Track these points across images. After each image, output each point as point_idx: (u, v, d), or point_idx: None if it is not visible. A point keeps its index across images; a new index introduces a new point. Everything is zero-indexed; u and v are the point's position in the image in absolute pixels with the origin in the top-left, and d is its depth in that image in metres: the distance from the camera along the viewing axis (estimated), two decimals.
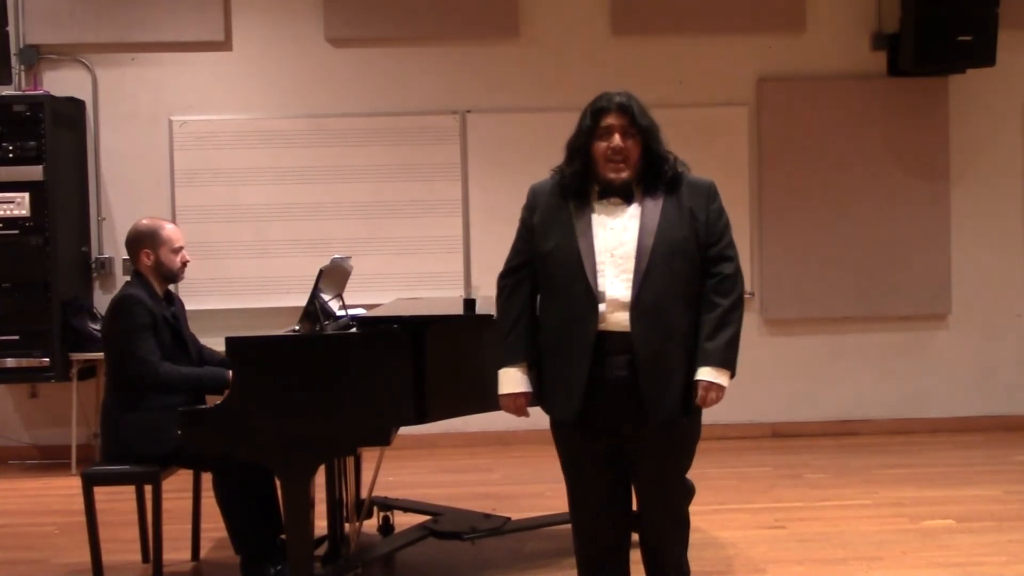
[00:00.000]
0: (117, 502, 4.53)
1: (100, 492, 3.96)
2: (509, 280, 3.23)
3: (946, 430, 6.65)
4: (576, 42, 6.58)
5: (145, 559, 4.31)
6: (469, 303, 4.03)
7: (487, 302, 4.37)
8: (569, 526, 4.38)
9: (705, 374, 3.05)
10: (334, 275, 4.02)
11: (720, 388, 3.05)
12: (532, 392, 3.20)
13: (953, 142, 6.67)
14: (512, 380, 3.19)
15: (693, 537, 3.40)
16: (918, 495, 5.19)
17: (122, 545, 4.43)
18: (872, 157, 6.61)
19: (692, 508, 3.38)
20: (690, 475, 3.30)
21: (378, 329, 3.69)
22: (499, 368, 3.22)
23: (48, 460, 6.41)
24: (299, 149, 6.45)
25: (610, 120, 3.06)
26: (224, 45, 6.50)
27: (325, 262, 3.87)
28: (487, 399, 3.84)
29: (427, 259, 6.48)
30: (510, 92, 6.56)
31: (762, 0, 6.57)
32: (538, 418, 3.28)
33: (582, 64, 6.55)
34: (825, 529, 4.66)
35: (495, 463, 6.11)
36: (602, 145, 3.07)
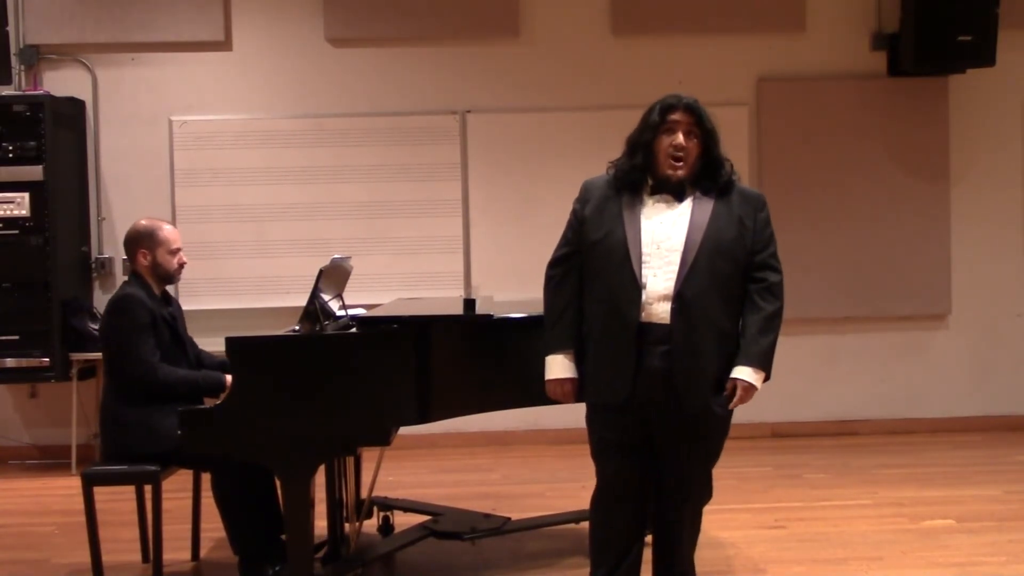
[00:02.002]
0: (117, 502, 4.52)
1: (100, 492, 3.96)
2: (557, 270, 3.30)
3: (946, 430, 6.65)
4: (576, 42, 6.58)
5: (145, 559, 4.31)
6: (469, 303, 4.03)
7: (487, 302, 4.38)
8: (569, 526, 4.44)
9: (744, 373, 3.13)
10: (334, 275, 4.02)
11: (754, 390, 3.14)
12: (578, 379, 3.26)
13: (953, 142, 6.66)
14: (560, 366, 3.26)
15: None
16: (918, 495, 5.19)
17: (122, 545, 4.43)
18: (872, 157, 6.61)
19: None
20: None
21: (378, 329, 3.68)
22: (546, 355, 3.28)
23: (48, 460, 6.40)
24: (299, 149, 6.45)
25: (677, 117, 3.15)
26: (224, 45, 6.50)
27: (325, 262, 3.86)
28: (488, 399, 3.87)
29: (427, 259, 6.48)
30: (510, 92, 6.56)
31: (762, 0, 6.57)
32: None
33: (582, 64, 6.55)
34: (825, 529, 4.66)
35: (495, 463, 6.10)
36: (666, 141, 3.15)
